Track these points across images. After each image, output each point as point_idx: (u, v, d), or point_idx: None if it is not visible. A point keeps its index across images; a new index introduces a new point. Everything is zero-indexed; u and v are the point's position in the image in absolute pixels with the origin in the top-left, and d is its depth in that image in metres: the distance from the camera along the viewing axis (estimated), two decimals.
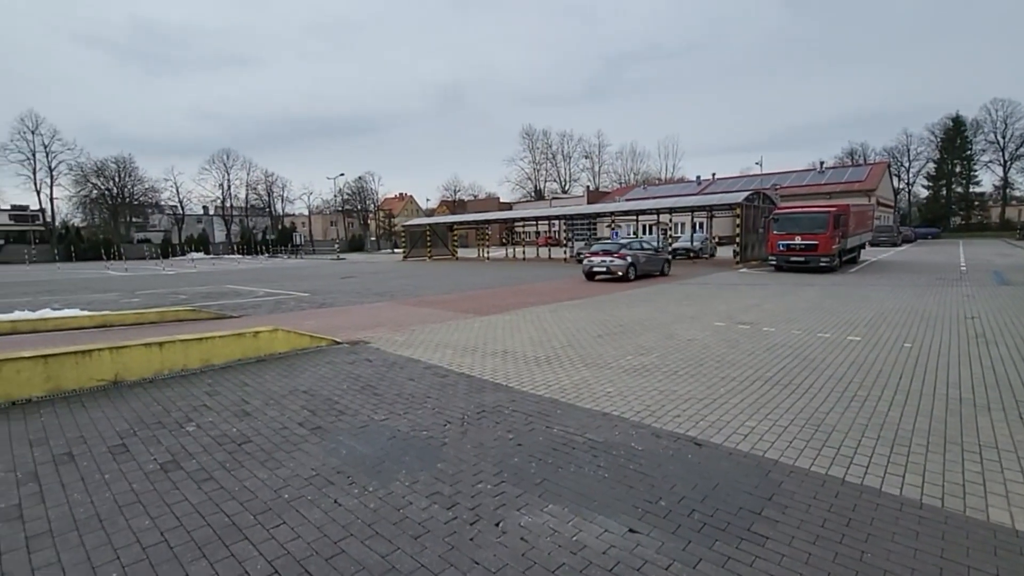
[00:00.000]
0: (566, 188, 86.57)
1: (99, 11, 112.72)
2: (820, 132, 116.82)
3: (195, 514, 3.05)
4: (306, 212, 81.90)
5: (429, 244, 40.81)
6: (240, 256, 58.88)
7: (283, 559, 2.60)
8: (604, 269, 17.12)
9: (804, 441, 3.93)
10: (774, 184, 45.10)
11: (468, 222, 43.61)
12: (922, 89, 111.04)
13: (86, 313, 10.08)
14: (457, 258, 40.38)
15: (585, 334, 8.33)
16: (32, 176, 58.12)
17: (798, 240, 18.77)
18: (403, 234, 45.27)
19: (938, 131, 65.08)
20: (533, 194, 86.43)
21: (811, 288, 14.01)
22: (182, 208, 69.66)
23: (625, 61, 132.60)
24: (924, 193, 70.07)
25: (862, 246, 24.49)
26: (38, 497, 3.26)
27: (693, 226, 34.46)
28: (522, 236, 49.56)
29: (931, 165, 67.09)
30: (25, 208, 63.13)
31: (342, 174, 69.52)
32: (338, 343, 7.73)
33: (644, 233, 44.56)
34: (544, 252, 40.63)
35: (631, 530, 2.80)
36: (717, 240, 36.51)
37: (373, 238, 78.53)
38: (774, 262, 19.79)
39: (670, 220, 27.79)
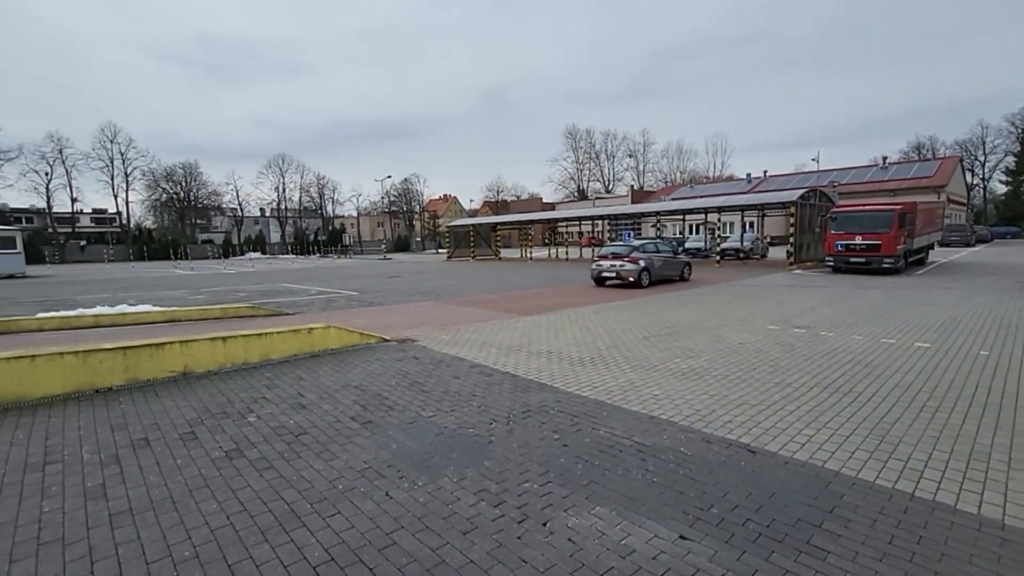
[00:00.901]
0: (610, 188, 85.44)
1: (171, 28, 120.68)
2: (883, 126, 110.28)
3: (257, 500, 3.22)
4: (355, 214, 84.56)
5: (472, 244, 41.27)
6: (294, 256, 61.58)
7: (338, 547, 2.71)
8: (614, 274, 15.55)
9: (868, 452, 3.72)
10: (832, 181, 42.84)
11: (511, 222, 43.79)
12: (999, 76, 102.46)
13: (157, 309, 10.83)
14: (500, 258, 40.65)
15: (630, 336, 8.20)
16: (110, 181, 62.89)
17: (859, 240, 17.76)
18: (447, 235, 46.00)
19: (1019, 121, 59.91)
20: (576, 194, 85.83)
21: (873, 291, 13.23)
22: (241, 210, 73.68)
23: (672, 56, 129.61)
24: (1002, 189, 64.71)
25: (930, 246, 22.91)
26: (119, 478, 3.53)
27: (743, 226, 33.23)
28: (565, 236, 49.29)
29: (1010, 159, 61.83)
30: (104, 211, 68.64)
31: (389, 176, 71.62)
32: (387, 341, 7.95)
33: (691, 233, 43.38)
34: (588, 252, 40.27)
35: (682, 537, 2.74)
36: (769, 240, 35.07)
37: (418, 239, 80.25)
38: (831, 263, 18.81)
39: (718, 220, 26.94)
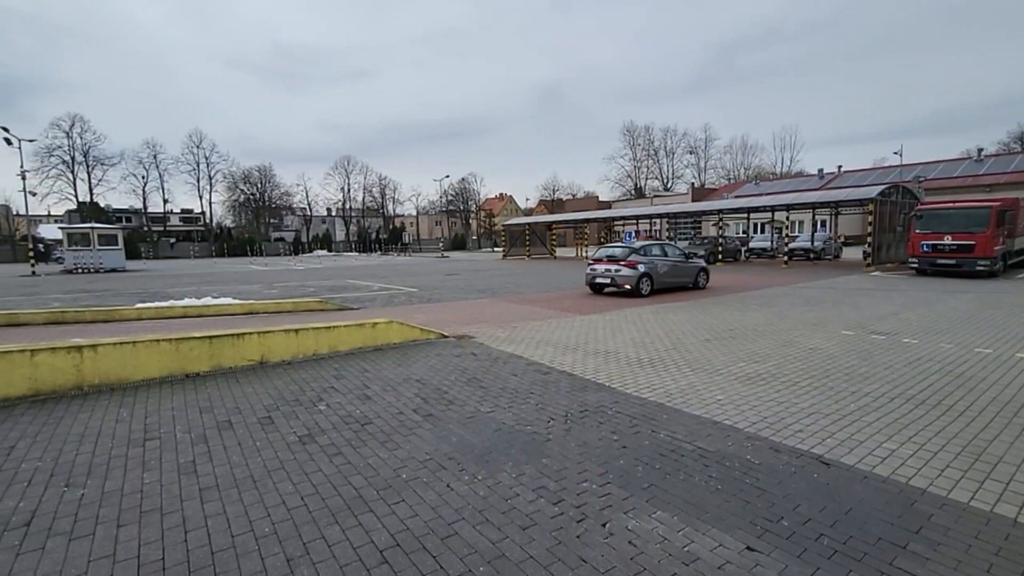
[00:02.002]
0: (668, 185, 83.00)
1: (249, 39, 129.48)
2: (977, 115, 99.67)
3: (328, 484, 3.41)
4: (414, 213, 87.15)
5: (528, 243, 41.38)
6: (357, 253, 64.34)
7: (403, 534, 2.82)
8: (608, 280, 13.67)
9: (959, 471, 3.42)
10: (916, 177, 39.39)
11: (566, 221, 43.54)
12: None
13: (237, 301, 11.68)
14: (555, 257, 40.51)
15: (691, 338, 7.94)
16: (196, 184, 68.62)
17: (948, 240, 16.28)
18: (503, 233, 46.37)
19: None
20: (633, 192, 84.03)
21: (965, 296, 12.08)
22: (310, 210, 77.98)
23: (737, 48, 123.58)
24: None
25: None
26: (207, 456, 3.85)
27: (814, 224, 31.23)
28: (621, 235, 48.39)
29: None
30: (191, 211, 74.67)
31: (447, 176, 73.17)
32: (446, 337, 8.15)
33: (756, 232, 41.33)
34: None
35: (749, 548, 2.64)
36: (843, 240, 32.83)
37: (474, 237, 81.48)
38: (915, 265, 17.35)
39: (787, 218, 25.52)
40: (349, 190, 78.95)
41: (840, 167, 53.26)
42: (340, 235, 79.58)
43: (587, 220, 41.00)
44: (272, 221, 78.60)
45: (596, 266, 14.13)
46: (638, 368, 6.24)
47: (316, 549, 2.68)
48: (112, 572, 2.51)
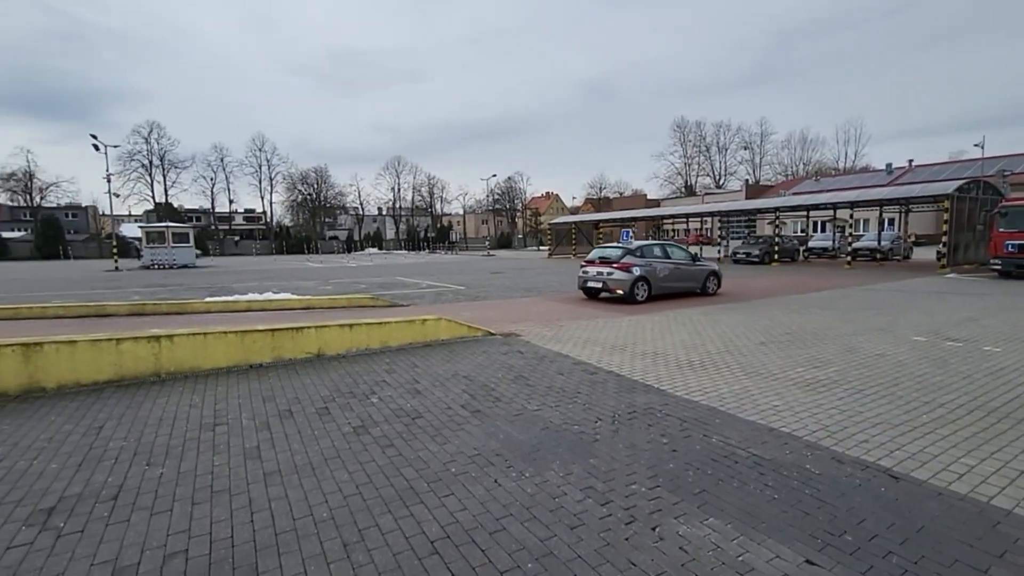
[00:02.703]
0: (721, 182, 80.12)
1: (305, 45, 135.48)
2: None
3: (381, 474, 3.53)
4: (461, 212, 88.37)
5: (574, 242, 41.10)
6: (406, 252, 66.00)
7: (453, 526, 2.88)
8: (600, 284, 12.41)
9: None
10: (1001, 170, 36.10)
11: (613, 220, 42.87)
12: None
13: (295, 297, 12.28)
14: None
15: (745, 340, 7.66)
16: (258, 184, 72.42)
17: None
18: (549, 232, 46.26)
19: None
20: (683, 190, 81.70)
21: None
22: (362, 209, 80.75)
23: (798, 37, 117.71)
24: None
25: None
26: (270, 443, 4.08)
27: (881, 223, 29.28)
28: (671, 234, 47.16)
29: None
30: (253, 211, 79.05)
31: (494, 175, 73.93)
32: (492, 334, 8.24)
33: (816, 231, 39.22)
34: (695, 251, 38.25)
35: (808, 561, 2.52)
36: (913, 239, 30.61)
37: (520, 236, 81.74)
38: (998, 267, 15.97)
39: (850, 216, 23.98)
40: (399, 190, 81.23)
41: (911, 161, 49.74)
42: (390, 234, 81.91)
43: (634, 219, 40.21)
44: (327, 220, 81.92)
45: (588, 268, 12.78)
46: (688, 371, 6.08)
47: (370, 536, 2.79)
48: (188, 546, 2.70)
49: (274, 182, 73.30)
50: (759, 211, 34.20)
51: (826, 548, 2.62)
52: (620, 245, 13.44)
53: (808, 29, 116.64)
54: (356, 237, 75.30)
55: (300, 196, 75.90)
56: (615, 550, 2.63)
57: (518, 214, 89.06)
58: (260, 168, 71.97)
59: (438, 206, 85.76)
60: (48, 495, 3.25)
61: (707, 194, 65.32)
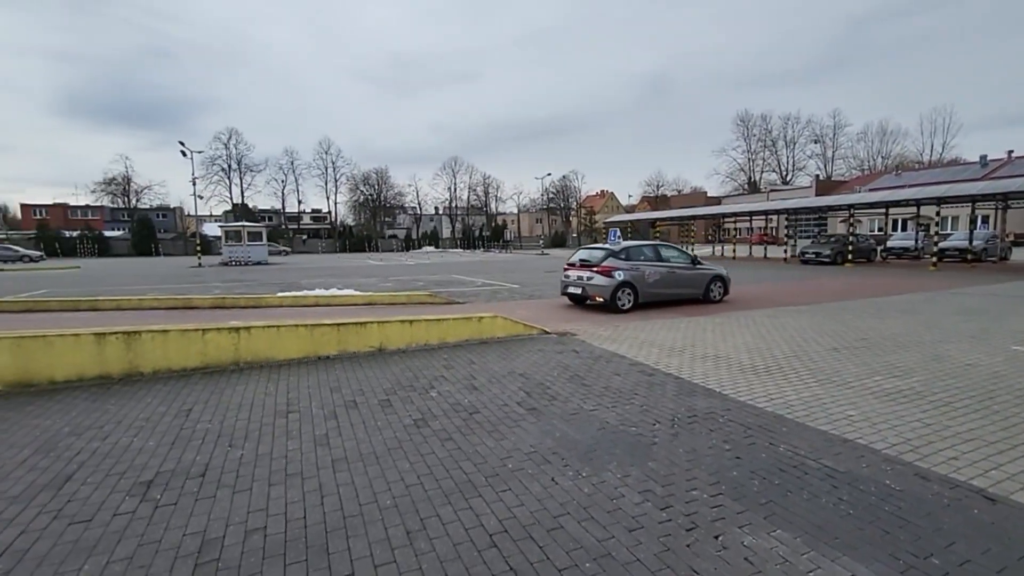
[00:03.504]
0: (788, 178, 75.95)
1: (368, 52, 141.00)
2: None
3: (440, 466, 3.64)
4: (515, 210, 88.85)
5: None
6: (461, 250, 67.17)
7: (510, 521, 2.93)
8: (580, 290, 11.10)
9: None
10: None
11: (671, 218, 41.69)
12: None
13: (358, 293, 12.84)
14: None
15: (815, 345, 7.24)
16: (324, 186, 76.19)
17: None
18: (603, 231, 45.59)
19: None
20: (746, 187, 78.03)
21: None
22: (420, 209, 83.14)
23: (875, 20, 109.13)
24: None
25: None
26: (337, 431, 4.30)
27: (972, 220, 26.63)
28: (732, 233, 45.21)
29: None
30: (319, 211, 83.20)
31: (548, 174, 73.87)
32: (547, 333, 8.25)
33: (896, 229, 36.29)
34: (758, 251, 36.43)
35: None
36: (1012, 239, 27.66)
37: (574, 234, 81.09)
38: None
39: (937, 213, 21.88)
40: (455, 189, 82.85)
41: (1011, 152, 45.02)
42: (446, 232, 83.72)
43: (693, 217, 38.89)
44: (386, 219, 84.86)
45: (570, 272, 11.48)
46: (752, 375, 5.83)
47: (432, 525, 2.88)
48: (266, 524, 2.91)
49: (338, 183, 76.97)
50: (831, 208, 32.06)
51: (909, 571, 2.45)
52: (603, 246, 11.96)
53: (884, 11, 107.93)
54: (414, 236, 77.50)
55: (362, 196, 79.17)
56: (676, 556, 2.58)
57: (572, 213, 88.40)
58: (326, 170, 75.79)
59: (493, 205, 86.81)
60: (146, 469, 3.60)
61: (772, 191, 62.07)
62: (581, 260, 11.47)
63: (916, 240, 27.62)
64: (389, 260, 40.81)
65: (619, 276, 10.69)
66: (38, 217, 70.90)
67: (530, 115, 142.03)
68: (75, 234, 56.73)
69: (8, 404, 5.01)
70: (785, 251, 30.79)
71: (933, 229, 24.11)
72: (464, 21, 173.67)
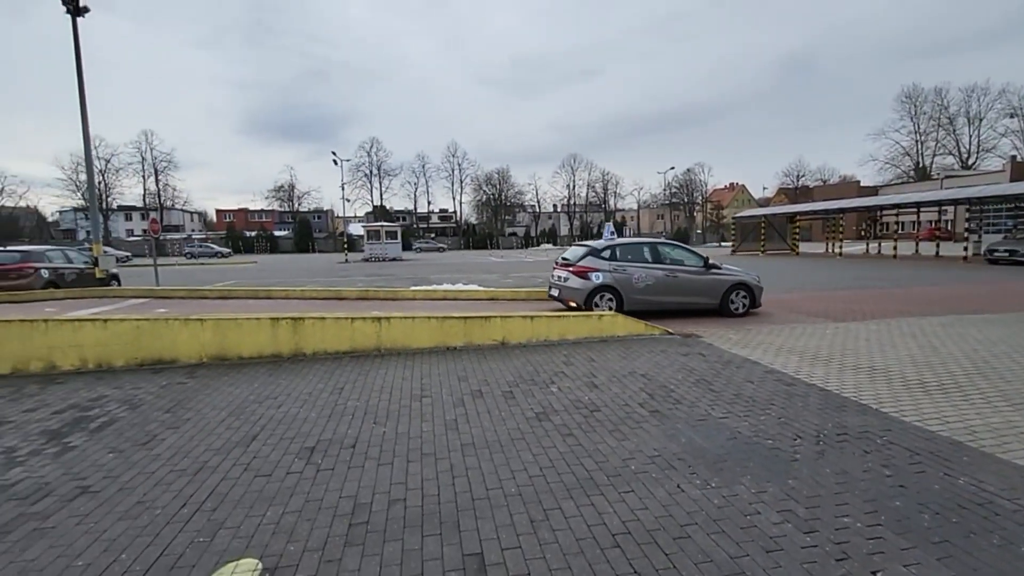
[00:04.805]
0: (971, 162, 63.47)
1: (490, 56, 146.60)
2: None
3: (562, 460, 3.70)
4: (635, 207, 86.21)
5: (763, 237, 36.87)
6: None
7: (634, 524, 2.88)
8: (557, 293, 10.08)
9: None
10: None
11: (814, 212, 37.26)
12: None
13: (481, 288, 13.50)
14: (798, 253, 35.19)
15: (1006, 361, 6.01)
16: (451, 187, 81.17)
17: None
18: (732, 226, 42.37)
19: None
20: (911, 173, 66.82)
21: None
22: (539, 207, 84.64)
23: None
24: None
25: None
26: (465, 417, 4.58)
27: None
28: (893, 228, 38.98)
29: None
30: (446, 210, 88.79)
31: (671, 168, 70.29)
32: (670, 334, 7.91)
33: None
34: (928, 248, 31.05)
35: None
36: None
37: (698, 231, 76.43)
38: None
39: None
40: (574, 186, 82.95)
41: None
42: (564, 230, 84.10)
43: (843, 210, 34.29)
44: (506, 218, 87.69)
45: (555, 271, 10.36)
46: (921, 393, 5.02)
47: (554, 517, 2.95)
48: (405, 496, 3.21)
49: (463, 184, 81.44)
50: None
51: None
52: (588, 243, 10.49)
53: None
54: (532, 233, 79.15)
55: (484, 196, 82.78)
56: None
57: (697, 208, 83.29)
58: (452, 172, 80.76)
59: (612, 201, 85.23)
60: (310, 437, 4.18)
61: (948, 177, 52.29)
62: (563, 258, 10.39)
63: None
64: (509, 257, 42.12)
65: (597, 279, 9.39)
66: (227, 220, 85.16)
67: (652, 107, 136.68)
68: (253, 234, 67.59)
69: (210, 373, 6.14)
70: (965, 249, 25.80)
71: None
72: (584, 18, 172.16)
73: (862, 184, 66.64)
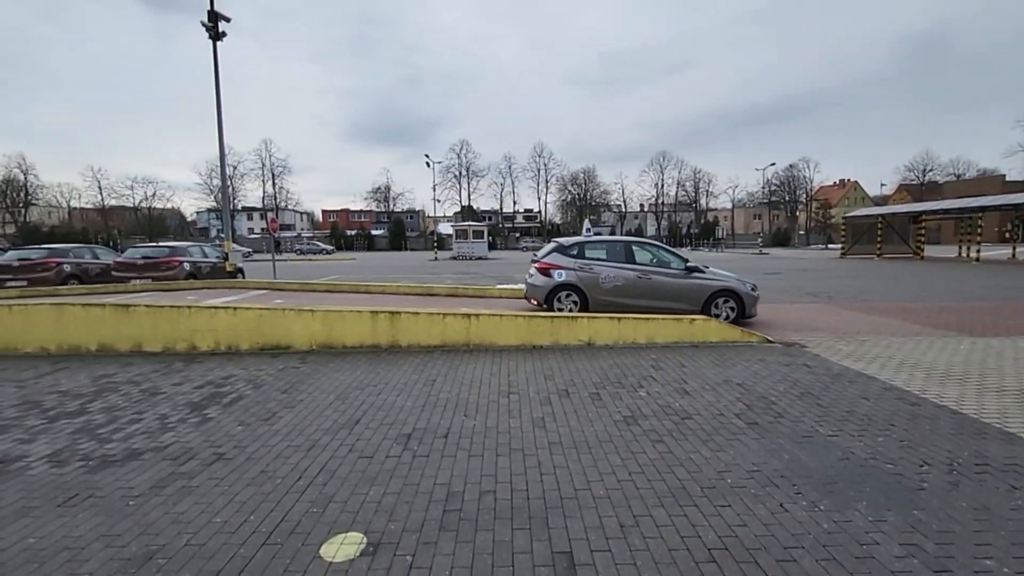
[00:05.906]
0: None
1: (579, 54, 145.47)
2: None
3: (652, 467, 3.61)
4: (729, 206, 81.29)
5: (880, 239, 33.15)
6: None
7: (731, 540, 2.74)
8: (526, 289, 9.76)
9: None
10: None
11: (944, 210, 32.80)
12: None
13: None
14: (922, 258, 31.24)
15: None
16: (536, 187, 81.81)
17: None
18: (843, 226, 38.58)
19: None
20: None
21: None
22: (624, 207, 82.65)
23: None
24: None
25: None
26: (552, 416, 4.61)
27: None
28: None
29: None
30: (531, 210, 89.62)
31: (772, 164, 65.33)
32: (770, 342, 7.40)
33: None
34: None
35: None
36: None
37: (801, 231, 70.39)
38: None
39: None
40: (662, 185, 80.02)
41: None
42: (651, 230, 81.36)
43: (980, 208, 29.79)
44: (592, 218, 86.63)
45: (531, 269, 9.91)
46: None
47: (645, 524, 2.89)
48: (495, 488, 3.31)
49: (549, 184, 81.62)
50: None
51: None
52: (557, 240, 10.18)
53: None
54: (618, 233, 77.43)
55: (569, 196, 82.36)
56: None
57: (800, 206, 76.59)
58: (538, 172, 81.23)
59: (703, 200, 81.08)
60: (406, 424, 4.43)
61: None
62: (533, 255, 10.10)
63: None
64: None
65: (559, 276, 9.02)
66: (331, 220, 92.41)
67: (749, 100, 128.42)
68: (353, 233, 72.84)
69: (319, 360, 6.72)
70: None
71: None
72: (675, 8, 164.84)
73: (1007, 179, 57.53)
